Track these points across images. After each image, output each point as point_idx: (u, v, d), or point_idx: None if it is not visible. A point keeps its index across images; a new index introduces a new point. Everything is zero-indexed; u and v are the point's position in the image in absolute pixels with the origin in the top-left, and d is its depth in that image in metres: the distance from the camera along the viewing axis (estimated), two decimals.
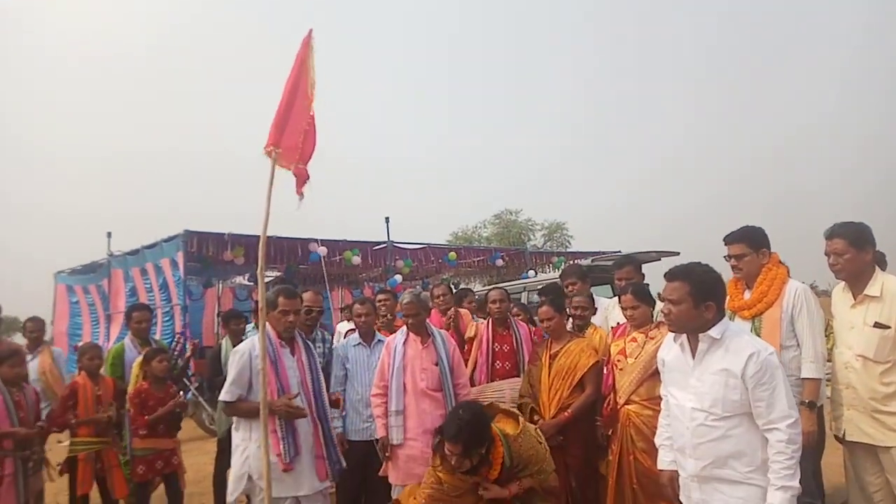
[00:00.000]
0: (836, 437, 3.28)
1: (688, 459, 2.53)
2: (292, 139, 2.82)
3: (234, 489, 3.35)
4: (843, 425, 3.16)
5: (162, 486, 4.77)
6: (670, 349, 2.71)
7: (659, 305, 4.24)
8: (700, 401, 2.47)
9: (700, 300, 2.47)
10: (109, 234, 14.31)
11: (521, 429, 2.96)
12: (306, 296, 4.64)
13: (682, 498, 2.61)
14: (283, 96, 2.86)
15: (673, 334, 2.68)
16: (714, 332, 2.47)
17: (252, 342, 3.47)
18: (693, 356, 2.54)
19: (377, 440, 4.06)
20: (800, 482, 2.35)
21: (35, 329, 5.89)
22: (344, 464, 3.71)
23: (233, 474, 3.38)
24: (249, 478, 3.30)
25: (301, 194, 2.75)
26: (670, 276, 2.57)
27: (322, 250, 12.31)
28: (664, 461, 2.73)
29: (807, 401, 3.17)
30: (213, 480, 5.30)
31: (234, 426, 3.49)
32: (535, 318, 4.50)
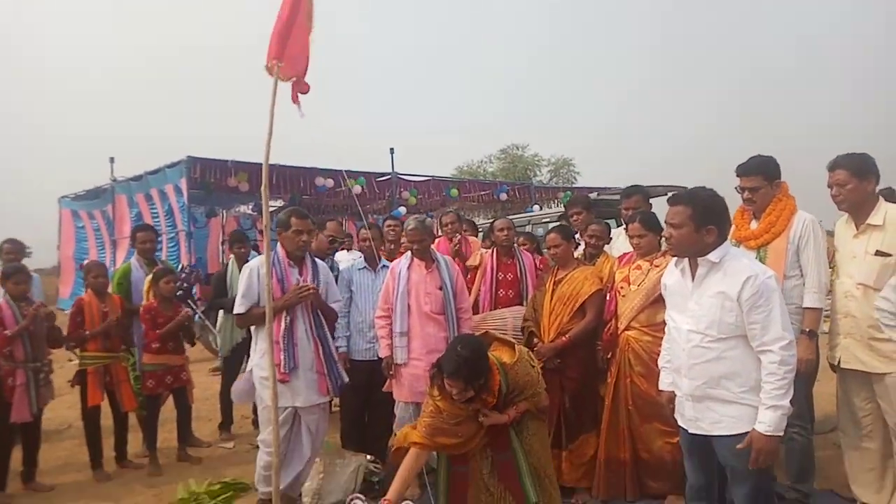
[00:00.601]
0: (831, 365, 3.33)
1: (683, 379, 2.58)
2: (294, 50, 2.73)
3: (237, 392, 3.69)
4: (839, 353, 3.20)
5: (170, 401, 4.94)
6: (672, 274, 2.72)
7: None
8: (697, 323, 2.49)
9: (701, 224, 2.46)
10: (112, 160, 14.24)
11: (518, 357, 3.00)
12: (330, 225, 4.85)
13: (676, 415, 2.69)
14: (284, 7, 2.74)
15: (675, 259, 2.67)
16: (713, 255, 2.47)
17: (261, 259, 3.56)
18: (693, 280, 2.55)
19: (381, 359, 4.15)
20: (791, 404, 2.40)
21: (13, 251, 5.44)
22: (346, 378, 3.84)
23: (238, 380, 3.68)
24: (252, 386, 3.53)
25: (298, 104, 2.68)
26: (673, 200, 2.56)
27: (329, 182, 12.24)
28: (664, 382, 2.78)
29: (807, 329, 3.20)
30: (220, 397, 5.48)
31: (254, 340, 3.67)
32: (543, 247, 4.51)
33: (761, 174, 3.34)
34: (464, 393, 2.76)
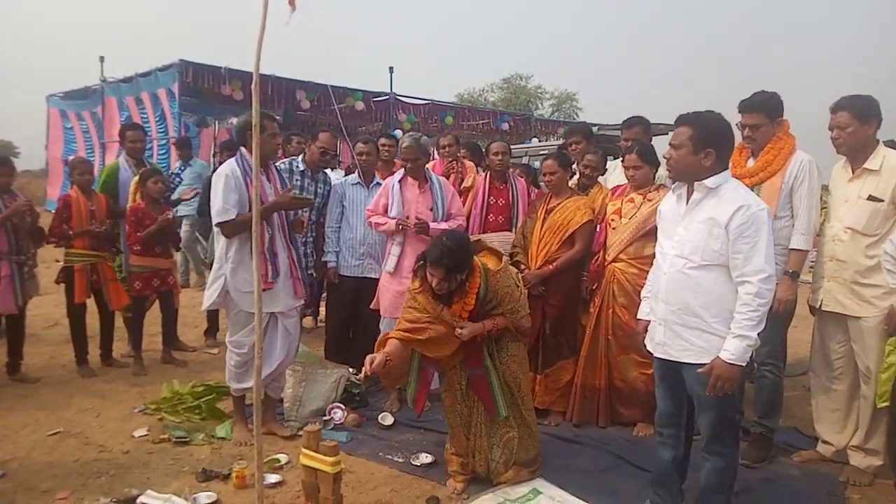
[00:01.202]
0: (811, 308, 3.36)
1: (659, 303, 2.58)
2: None
3: (208, 301, 3.52)
4: (821, 296, 3.22)
5: (157, 305, 4.97)
6: (668, 199, 2.69)
7: (662, 171, 4.19)
8: (682, 247, 2.48)
9: (700, 146, 2.40)
10: (102, 59, 13.79)
11: (503, 267, 3.03)
12: (322, 136, 4.61)
13: (646, 340, 2.70)
14: None
15: (675, 185, 2.63)
16: (709, 181, 2.43)
17: (230, 165, 3.46)
18: (686, 205, 2.52)
19: (368, 277, 4.23)
20: (764, 345, 2.40)
21: None
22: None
23: (208, 289, 3.54)
24: (227, 294, 3.45)
25: (293, 5, 2.52)
26: (678, 121, 2.50)
27: (305, 103, 11.94)
28: (643, 311, 2.80)
29: (790, 270, 3.21)
30: None
31: (217, 250, 3.55)
32: (540, 180, 4.44)
33: (763, 111, 3.27)
34: (443, 283, 2.82)
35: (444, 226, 3.93)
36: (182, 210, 6.63)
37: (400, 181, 4.09)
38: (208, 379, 4.41)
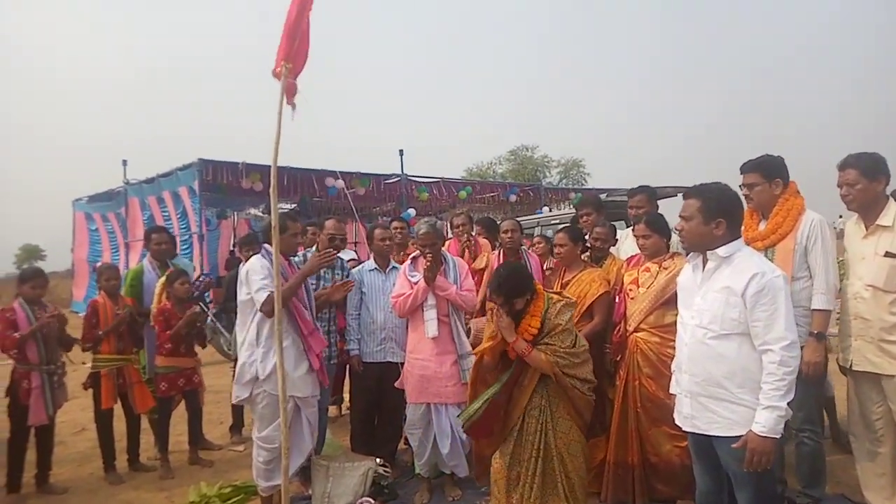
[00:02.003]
0: (841, 369, 3.30)
1: (683, 375, 2.56)
2: (301, 50, 2.76)
3: (240, 392, 3.67)
4: (851, 355, 3.17)
5: (182, 404, 4.98)
6: (685, 271, 2.72)
7: (675, 239, 4.22)
8: (700, 317, 2.48)
9: (710, 217, 2.45)
10: (125, 162, 14.39)
11: (565, 302, 3.18)
12: (329, 223, 4.75)
13: (675, 413, 2.66)
14: (292, 8, 2.76)
15: (691, 255, 2.67)
16: (722, 250, 2.46)
17: (259, 260, 3.70)
18: (702, 274, 2.55)
19: (391, 362, 4.25)
20: (799, 410, 2.36)
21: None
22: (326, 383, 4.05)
23: (238, 382, 3.67)
24: (256, 379, 3.60)
25: (293, 105, 2.71)
26: (686, 193, 2.57)
27: (339, 183, 12.29)
28: (674, 386, 2.76)
29: (815, 332, 3.17)
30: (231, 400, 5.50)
31: (245, 337, 3.70)
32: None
33: (759, 171, 3.34)
34: (504, 307, 3.08)
35: (452, 288, 3.97)
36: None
37: (413, 260, 4.16)
38: (235, 478, 4.37)
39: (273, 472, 3.58)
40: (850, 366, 3.19)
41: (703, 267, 2.55)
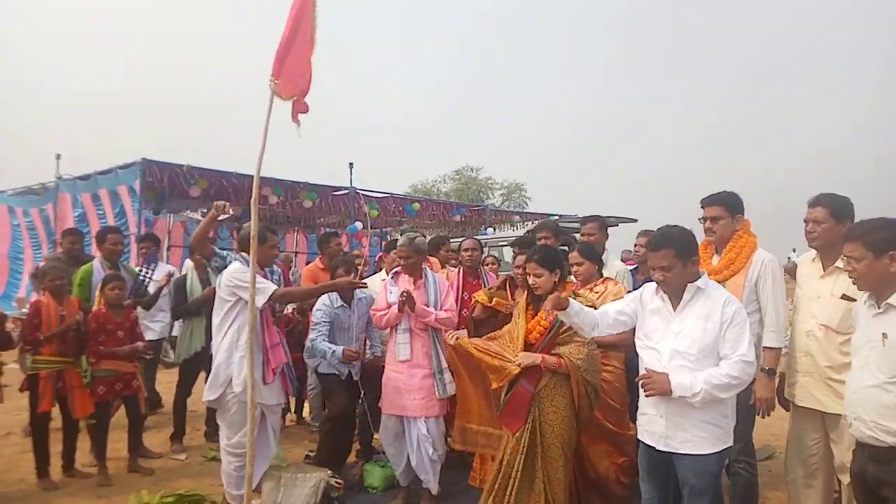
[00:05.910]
0: (781, 404, 3.39)
1: (656, 398, 2.73)
2: (293, 70, 2.84)
3: (211, 394, 3.72)
4: (796, 391, 3.22)
5: (122, 410, 4.84)
6: (652, 301, 2.88)
7: (617, 267, 4.48)
8: (677, 342, 2.70)
9: (686, 259, 2.72)
10: (59, 156, 13.73)
11: (586, 301, 3.28)
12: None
13: (642, 434, 2.85)
14: (286, 30, 2.85)
15: (651, 289, 2.89)
16: (700, 282, 2.74)
17: (241, 266, 3.77)
18: (675, 307, 2.77)
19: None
20: (736, 442, 2.77)
21: None
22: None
23: (212, 381, 3.71)
24: (230, 383, 3.66)
25: (298, 122, 2.81)
26: (653, 246, 2.76)
27: (273, 200, 12.18)
28: (644, 406, 2.89)
29: (766, 368, 3.22)
30: (173, 407, 5.36)
31: (222, 339, 3.75)
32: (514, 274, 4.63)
33: (723, 205, 3.44)
34: (538, 278, 3.29)
35: (432, 311, 4.02)
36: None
37: (394, 276, 4.23)
38: (178, 488, 4.26)
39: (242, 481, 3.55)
40: (795, 401, 3.23)
41: (674, 298, 2.77)
